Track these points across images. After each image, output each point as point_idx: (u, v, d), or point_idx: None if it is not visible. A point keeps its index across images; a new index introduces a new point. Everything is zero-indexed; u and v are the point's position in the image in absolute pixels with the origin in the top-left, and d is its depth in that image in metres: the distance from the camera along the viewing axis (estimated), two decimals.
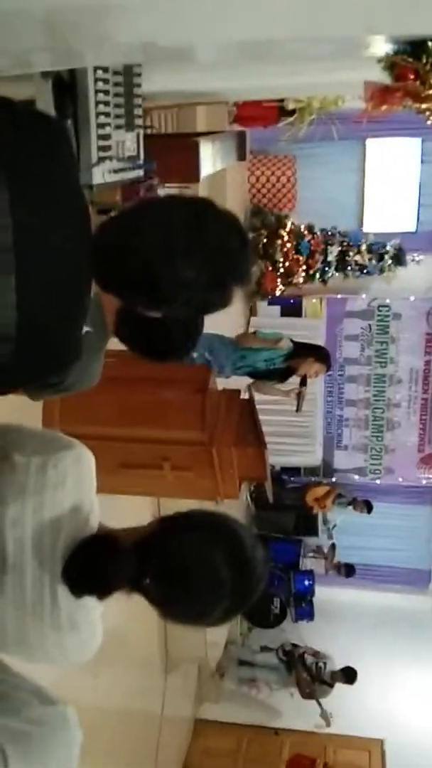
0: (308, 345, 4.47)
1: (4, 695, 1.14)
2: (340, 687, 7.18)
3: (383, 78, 2.22)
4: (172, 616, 1.25)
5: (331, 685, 7.17)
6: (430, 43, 2.05)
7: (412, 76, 2.08)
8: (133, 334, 1.81)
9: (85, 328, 1.74)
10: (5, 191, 1.10)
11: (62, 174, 1.21)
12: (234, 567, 1.18)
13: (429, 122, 2.41)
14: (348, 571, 8.31)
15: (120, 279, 1.26)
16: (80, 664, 1.30)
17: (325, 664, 7.30)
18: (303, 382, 4.37)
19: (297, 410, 4.50)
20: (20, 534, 1.19)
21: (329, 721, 6.92)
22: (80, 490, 1.27)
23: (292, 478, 8.78)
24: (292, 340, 4.27)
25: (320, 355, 4.34)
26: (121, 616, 4.89)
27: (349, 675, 7.14)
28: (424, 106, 2.18)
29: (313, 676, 7.21)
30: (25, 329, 1.15)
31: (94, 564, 1.19)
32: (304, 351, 4.31)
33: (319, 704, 6.91)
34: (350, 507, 8.21)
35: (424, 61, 2.06)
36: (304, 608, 8.31)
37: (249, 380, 4.35)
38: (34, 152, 1.16)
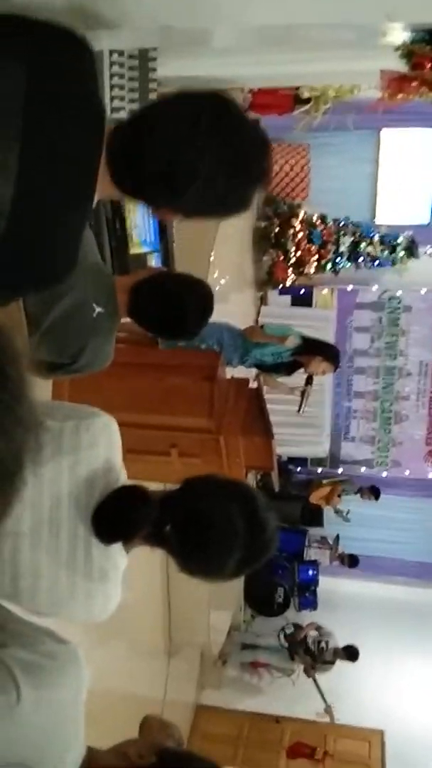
0: (319, 342, 4.42)
1: (18, 633, 1.19)
2: (341, 676, 7.20)
3: (400, 66, 2.19)
4: (189, 566, 1.32)
5: (333, 662, 7.21)
6: None
7: (429, 65, 2.05)
8: (146, 312, 1.83)
9: (97, 309, 1.74)
10: (23, 82, 1.09)
11: (81, 81, 1.19)
12: (248, 520, 1.28)
13: None
14: (351, 561, 8.33)
15: (138, 167, 1.21)
16: (100, 618, 1.35)
17: (327, 642, 7.32)
18: (309, 381, 4.33)
19: (299, 410, 4.46)
20: (57, 490, 1.26)
21: (333, 717, 6.93)
22: (110, 451, 1.36)
23: (299, 469, 8.79)
24: (302, 336, 4.23)
25: (329, 354, 4.28)
26: (127, 601, 4.93)
27: (351, 653, 7.15)
28: None
29: (315, 658, 7.23)
30: (20, 209, 1.10)
31: (121, 508, 1.29)
32: (313, 347, 4.27)
33: (324, 699, 6.91)
34: (358, 495, 8.20)
35: None
36: (308, 598, 8.35)
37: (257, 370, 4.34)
38: (57, 54, 1.15)
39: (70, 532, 1.26)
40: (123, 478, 1.38)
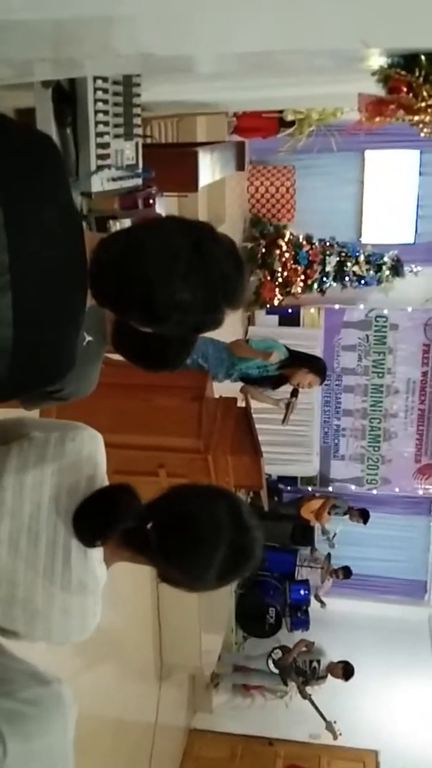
0: (305, 355, 4.42)
1: (1, 677, 1.18)
2: (335, 696, 7.13)
3: (378, 90, 2.25)
4: (172, 570, 1.30)
5: (325, 677, 7.14)
6: (423, 57, 2.08)
7: (405, 89, 2.10)
8: (129, 344, 1.84)
9: (87, 338, 1.76)
10: (0, 211, 1.13)
11: (56, 193, 1.24)
12: (233, 517, 1.28)
13: (422, 134, 2.44)
14: (346, 573, 8.29)
15: (117, 296, 1.30)
16: (78, 638, 1.33)
17: (319, 662, 7.26)
18: (294, 393, 4.33)
19: (283, 422, 4.45)
20: (37, 498, 1.26)
21: (336, 733, 6.83)
22: (95, 463, 1.36)
23: (288, 488, 8.79)
24: (288, 349, 4.24)
25: (315, 366, 4.29)
26: (117, 624, 4.89)
27: (346, 670, 7.09)
28: (416, 118, 2.21)
29: (307, 679, 7.16)
30: (21, 344, 1.18)
31: (105, 498, 1.29)
32: (299, 360, 4.27)
33: (323, 716, 6.83)
34: (347, 516, 8.20)
35: (417, 74, 2.09)
36: (300, 618, 8.30)
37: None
38: (29, 172, 1.19)
39: (49, 540, 1.25)
40: None
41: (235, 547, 1.26)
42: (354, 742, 7.08)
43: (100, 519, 1.27)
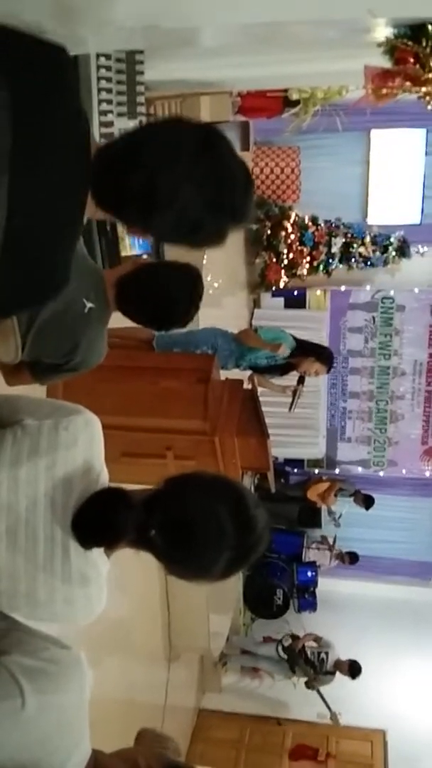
0: (312, 344, 4.43)
1: (21, 640, 1.20)
2: (342, 678, 7.18)
3: (384, 63, 2.20)
4: (177, 569, 1.28)
5: (333, 673, 7.18)
6: (430, 27, 2.03)
7: (411, 60, 2.06)
8: (135, 303, 1.82)
9: (89, 305, 1.74)
10: (8, 108, 1.08)
11: (65, 95, 1.19)
12: (236, 520, 1.23)
13: (430, 107, 2.38)
14: (351, 559, 8.31)
15: (117, 187, 1.21)
16: (85, 621, 1.33)
17: (327, 654, 7.29)
18: (301, 381, 4.35)
19: (290, 409, 4.46)
20: (33, 492, 1.24)
21: (338, 721, 6.90)
22: (91, 452, 1.32)
23: (295, 470, 8.79)
24: (295, 338, 4.24)
25: (322, 355, 4.30)
26: (126, 607, 4.91)
27: (353, 669, 7.13)
28: (423, 89, 2.16)
29: (315, 669, 7.20)
30: (12, 235, 1.10)
31: (103, 513, 1.25)
32: (306, 349, 4.28)
33: (328, 706, 6.88)
34: (352, 498, 8.20)
35: (424, 44, 2.04)
36: (307, 599, 8.34)
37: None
38: (39, 72, 1.15)
39: (46, 534, 1.24)
40: (104, 478, 1.35)
41: (240, 548, 1.24)
42: (362, 722, 7.13)
43: (100, 532, 1.25)
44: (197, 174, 1.18)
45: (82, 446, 1.31)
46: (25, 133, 1.09)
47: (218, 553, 1.22)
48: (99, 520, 1.24)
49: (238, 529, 1.22)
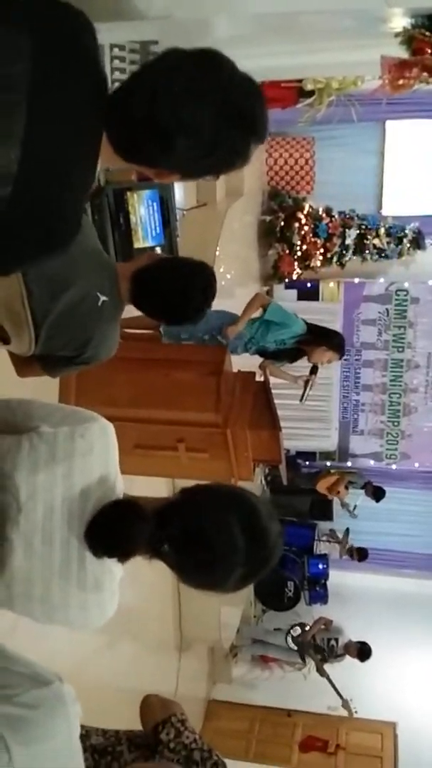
0: (323, 329, 4.36)
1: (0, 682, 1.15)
2: (353, 669, 7.19)
3: (401, 53, 2.17)
4: (190, 581, 1.29)
5: (343, 656, 7.19)
6: None
7: (429, 50, 2.03)
8: (149, 297, 1.81)
9: (102, 298, 1.74)
10: (28, 49, 1.07)
11: (84, 48, 1.18)
12: (249, 535, 1.22)
13: None
14: (361, 555, 8.31)
15: (126, 119, 1.20)
16: (96, 626, 1.34)
17: (337, 640, 7.30)
18: (313, 370, 4.30)
19: (301, 400, 4.43)
20: (50, 499, 1.25)
21: (352, 711, 6.91)
22: (106, 460, 1.33)
23: (307, 463, 8.78)
24: (306, 323, 4.20)
25: (333, 342, 4.23)
26: (138, 598, 4.93)
27: (363, 651, 7.13)
28: None
29: (324, 657, 7.21)
30: (27, 171, 1.09)
31: (115, 526, 1.25)
32: (318, 335, 4.22)
33: (339, 694, 6.89)
34: (363, 490, 8.18)
35: None
36: (318, 592, 8.34)
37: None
38: (60, 23, 1.14)
39: (63, 541, 1.24)
40: (119, 487, 1.34)
41: (252, 563, 1.24)
42: (372, 714, 7.14)
43: (114, 546, 1.25)
44: (201, 88, 1.16)
45: (98, 454, 1.31)
46: (43, 76, 1.09)
47: (230, 568, 1.23)
48: (111, 535, 1.25)
49: (250, 544, 1.22)
